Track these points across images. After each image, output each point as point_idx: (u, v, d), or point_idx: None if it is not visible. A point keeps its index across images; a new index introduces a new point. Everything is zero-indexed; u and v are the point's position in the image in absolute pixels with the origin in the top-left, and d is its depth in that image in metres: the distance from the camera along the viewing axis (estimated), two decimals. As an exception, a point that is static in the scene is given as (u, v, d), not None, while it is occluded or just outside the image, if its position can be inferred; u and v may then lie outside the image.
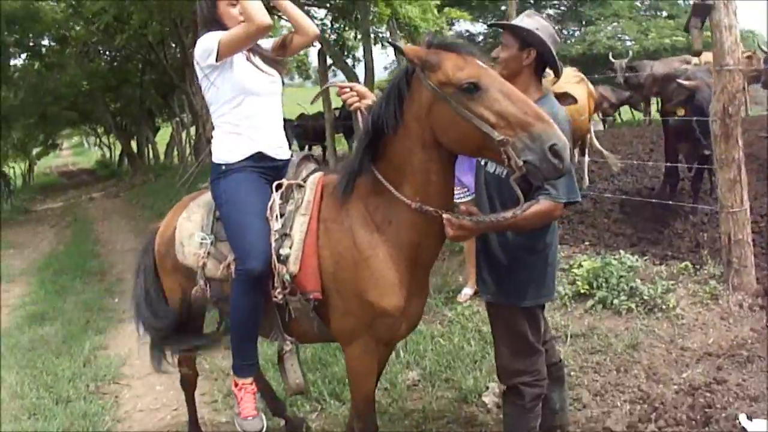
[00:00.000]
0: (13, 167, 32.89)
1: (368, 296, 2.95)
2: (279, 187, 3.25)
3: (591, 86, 9.65)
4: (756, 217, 6.24)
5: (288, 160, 3.45)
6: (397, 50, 3.05)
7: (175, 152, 25.66)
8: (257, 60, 3.43)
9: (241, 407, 3.34)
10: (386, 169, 2.91)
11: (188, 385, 4.16)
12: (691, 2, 5.41)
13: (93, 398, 5.22)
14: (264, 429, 3.38)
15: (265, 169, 3.38)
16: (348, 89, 3.28)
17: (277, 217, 3.15)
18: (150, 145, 31.99)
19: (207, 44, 3.25)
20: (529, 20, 3.18)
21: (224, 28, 3.32)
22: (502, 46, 3.23)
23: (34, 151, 34.05)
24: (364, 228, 2.97)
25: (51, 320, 7.63)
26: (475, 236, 3.15)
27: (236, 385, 3.38)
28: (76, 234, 14.77)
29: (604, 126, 17.29)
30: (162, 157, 30.05)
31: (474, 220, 2.74)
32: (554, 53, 3.16)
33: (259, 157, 3.37)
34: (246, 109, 3.35)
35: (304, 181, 3.27)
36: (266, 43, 3.55)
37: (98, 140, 46.62)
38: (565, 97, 6.64)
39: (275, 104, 3.50)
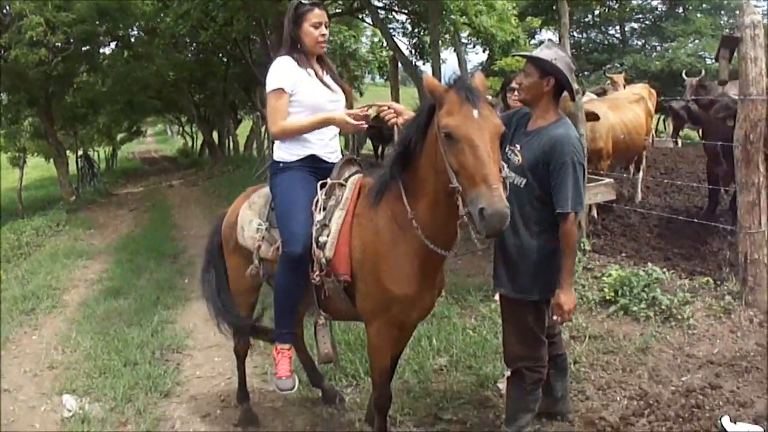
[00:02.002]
0: (98, 151, 34.05)
1: (385, 283, 3.42)
2: (324, 185, 3.75)
3: (651, 105, 9.92)
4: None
5: None
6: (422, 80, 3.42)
7: (254, 145, 26.10)
8: (327, 78, 3.96)
9: (278, 368, 3.85)
10: (410, 180, 3.34)
11: (240, 353, 4.67)
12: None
13: (157, 363, 5.80)
14: (296, 388, 3.90)
15: (316, 169, 3.87)
16: (386, 107, 3.77)
17: (320, 210, 3.65)
18: (231, 137, 32.26)
19: (269, 84, 3.81)
20: (548, 51, 3.57)
21: (303, 47, 3.86)
22: (524, 74, 3.65)
23: (119, 137, 35.02)
24: (388, 227, 3.44)
25: (125, 295, 8.24)
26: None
27: (276, 350, 3.90)
28: (153, 218, 15.38)
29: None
30: (242, 149, 30.38)
31: None
32: (570, 81, 3.58)
33: (312, 159, 3.88)
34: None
35: (346, 181, 3.75)
36: None
37: (181, 129, 47.33)
38: (589, 115, 7.09)
39: None
